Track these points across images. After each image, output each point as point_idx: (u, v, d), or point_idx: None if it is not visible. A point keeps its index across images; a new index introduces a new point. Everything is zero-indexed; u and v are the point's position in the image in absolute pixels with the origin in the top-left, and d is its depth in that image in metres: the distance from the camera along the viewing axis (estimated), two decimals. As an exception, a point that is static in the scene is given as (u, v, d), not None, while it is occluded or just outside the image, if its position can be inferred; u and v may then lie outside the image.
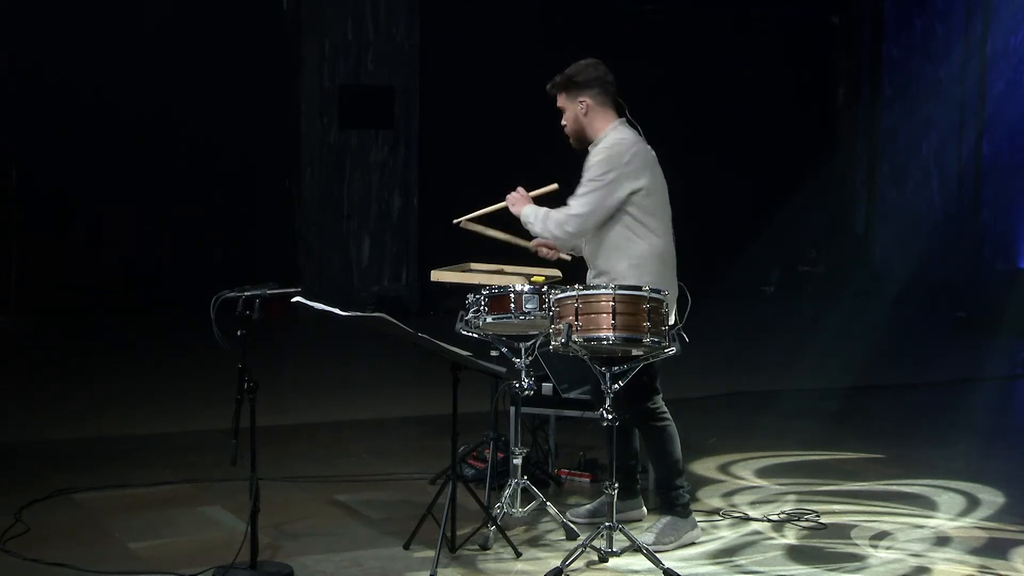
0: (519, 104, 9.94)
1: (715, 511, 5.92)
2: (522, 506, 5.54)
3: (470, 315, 5.41)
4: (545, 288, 5.28)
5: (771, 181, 14.98)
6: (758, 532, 5.64)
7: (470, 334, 5.45)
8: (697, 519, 5.53)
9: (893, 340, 12.14)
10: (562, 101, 5.52)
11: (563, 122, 5.53)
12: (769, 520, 5.79)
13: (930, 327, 13.13)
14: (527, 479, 5.57)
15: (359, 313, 5.07)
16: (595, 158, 5.38)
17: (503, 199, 5.62)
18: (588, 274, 5.52)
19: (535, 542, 5.42)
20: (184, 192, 13.04)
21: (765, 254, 14.60)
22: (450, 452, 5.20)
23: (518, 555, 5.17)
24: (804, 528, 5.69)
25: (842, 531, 5.66)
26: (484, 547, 5.24)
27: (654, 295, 4.91)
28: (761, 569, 5.13)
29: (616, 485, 5.02)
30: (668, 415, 5.45)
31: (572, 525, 5.44)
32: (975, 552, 5.38)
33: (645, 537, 5.22)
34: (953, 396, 9.56)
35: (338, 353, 10.78)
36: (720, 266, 13.38)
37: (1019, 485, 6.56)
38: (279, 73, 13.53)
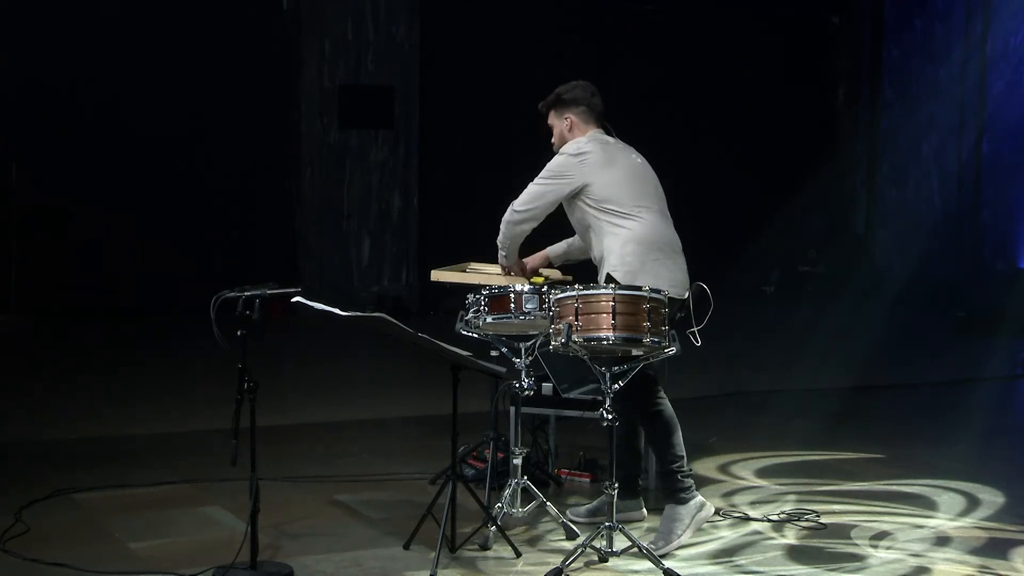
0: (519, 104, 9.91)
1: (715, 511, 5.91)
2: (522, 506, 5.54)
3: (470, 315, 5.41)
4: (545, 288, 5.29)
5: (771, 181, 14.97)
6: (758, 532, 5.64)
7: (470, 334, 5.45)
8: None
9: (893, 340, 12.14)
10: (551, 118, 5.70)
11: (553, 140, 5.69)
12: (769, 520, 5.79)
13: (930, 327, 13.13)
14: (527, 479, 5.57)
15: (359, 313, 5.08)
16: (552, 161, 5.56)
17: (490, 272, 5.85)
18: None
19: (535, 542, 5.42)
20: (184, 192, 13.04)
21: (765, 254, 14.59)
22: (450, 452, 5.20)
23: (518, 555, 5.17)
24: (804, 528, 5.69)
25: (842, 531, 5.66)
26: (484, 547, 5.24)
27: (654, 295, 4.92)
28: (761, 569, 5.13)
29: (616, 485, 5.03)
30: (665, 399, 5.48)
31: (572, 525, 5.44)
32: (975, 552, 5.38)
33: (646, 537, 5.21)
34: (953, 396, 9.55)
35: (338, 353, 10.78)
36: (720, 266, 13.35)
37: (1019, 485, 6.56)
38: (279, 73, 13.53)
